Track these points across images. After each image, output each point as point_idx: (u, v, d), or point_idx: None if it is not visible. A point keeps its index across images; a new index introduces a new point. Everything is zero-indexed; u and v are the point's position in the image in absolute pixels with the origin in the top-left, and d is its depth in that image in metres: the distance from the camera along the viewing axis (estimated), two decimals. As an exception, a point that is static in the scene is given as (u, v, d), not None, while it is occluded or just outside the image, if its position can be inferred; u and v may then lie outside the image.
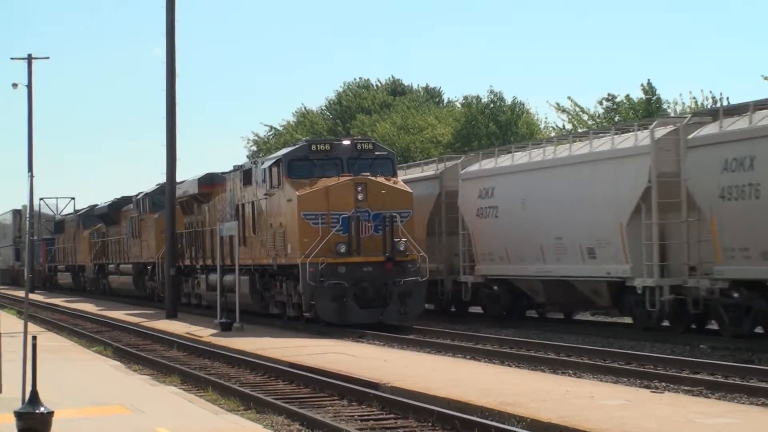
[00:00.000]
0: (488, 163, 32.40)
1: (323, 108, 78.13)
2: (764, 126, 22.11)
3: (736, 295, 23.32)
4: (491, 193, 31.54)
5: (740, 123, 23.02)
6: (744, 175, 22.31)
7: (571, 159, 28.32)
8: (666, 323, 26.11)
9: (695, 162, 23.82)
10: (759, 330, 23.72)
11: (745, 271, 22.63)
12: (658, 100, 48.97)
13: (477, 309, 34.16)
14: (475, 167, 33.08)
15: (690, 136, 24.13)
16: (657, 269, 24.83)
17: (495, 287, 32.08)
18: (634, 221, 25.47)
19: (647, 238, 25.02)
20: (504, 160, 31.76)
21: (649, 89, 48.96)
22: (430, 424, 14.58)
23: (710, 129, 23.81)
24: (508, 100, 58.25)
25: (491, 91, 58.45)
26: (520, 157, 31.03)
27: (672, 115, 40.70)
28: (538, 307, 32.67)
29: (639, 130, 26.41)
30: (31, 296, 55.61)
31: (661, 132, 25.24)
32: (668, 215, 24.85)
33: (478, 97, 59.24)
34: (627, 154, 26.02)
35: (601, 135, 28.56)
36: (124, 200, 52.29)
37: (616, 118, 47.91)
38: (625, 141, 26.62)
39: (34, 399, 11.96)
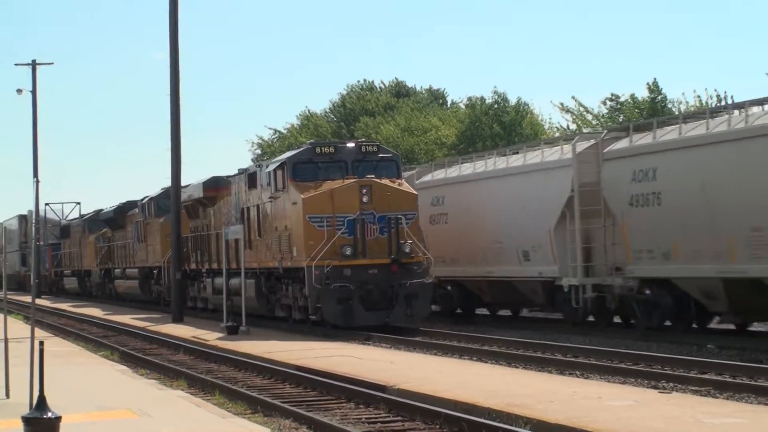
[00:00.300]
0: (439, 174, 35.52)
1: (327, 110, 78.13)
2: (665, 141, 25.24)
3: (648, 291, 26.24)
4: (442, 201, 34.70)
5: (646, 138, 26.13)
6: (648, 185, 25.44)
7: (508, 170, 31.39)
8: (591, 318, 28.89)
9: (609, 173, 26.93)
10: (667, 323, 26.47)
11: (651, 270, 25.74)
12: (664, 99, 48.88)
13: (436, 308, 35.65)
14: (428, 177, 36.21)
15: (605, 150, 27.26)
16: (580, 269, 27.60)
17: (448, 287, 34.91)
18: (560, 227, 28.38)
19: (571, 242, 27.73)
20: (453, 171, 34.85)
21: (655, 88, 48.84)
22: (437, 426, 14.56)
23: (622, 144, 27.00)
24: (513, 101, 58.23)
25: (495, 92, 58.45)
26: (466, 169, 34.14)
27: (676, 113, 40.71)
28: (487, 306, 35.31)
29: (564, 144, 29.37)
30: (38, 301, 55.62)
31: (582, 146, 28.01)
32: (590, 221, 27.50)
33: (482, 98, 59.23)
34: (553, 166, 28.98)
35: (534, 148, 31.66)
36: (130, 205, 52.34)
37: (620, 118, 47.86)
38: (553, 154, 29.61)
39: (42, 404, 11.97)
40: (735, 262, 23.21)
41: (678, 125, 25.32)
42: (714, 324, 26.80)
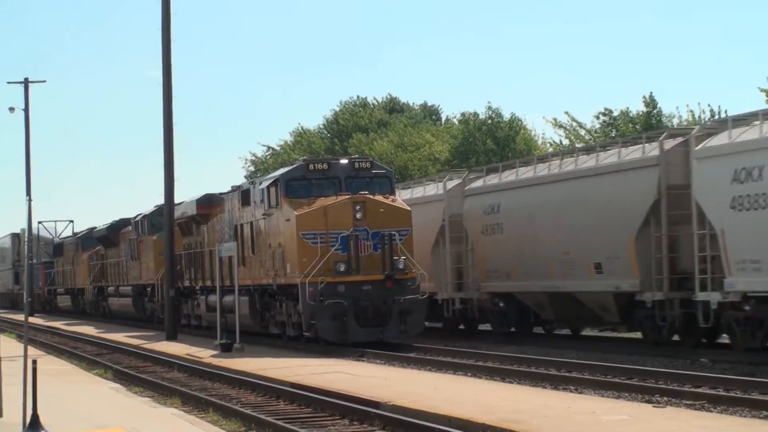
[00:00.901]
0: None
1: (320, 127, 78.20)
2: (505, 182, 31.87)
3: (501, 304, 32.24)
4: None
5: (494, 179, 32.79)
6: (494, 217, 31.78)
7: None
8: (462, 327, 35.16)
9: (469, 206, 33.19)
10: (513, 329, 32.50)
11: (499, 286, 31.92)
12: (659, 113, 48.87)
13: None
14: None
15: (466, 188, 33.68)
16: (451, 286, 33.39)
17: None
18: (436, 249, 33.97)
19: (444, 263, 33.38)
20: None
21: (651, 102, 48.83)
22: (431, 442, 14.55)
23: (478, 183, 33.50)
24: (507, 117, 58.28)
25: (489, 108, 58.53)
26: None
27: (670, 128, 40.71)
28: None
29: (439, 181, 35.45)
30: (31, 320, 55.55)
31: (451, 184, 34.51)
32: (458, 245, 33.49)
33: (475, 113, 59.31)
34: (432, 200, 34.77)
35: (419, 183, 38.02)
36: (123, 222, 52.27)
37: (613, 133, 47.90)
38: (432, 189, 35.82)
39: (35, 423, 11.96)
40: (553, 279, 29.13)
41: (516, 169, 32.03)
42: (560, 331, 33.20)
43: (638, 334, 28.34)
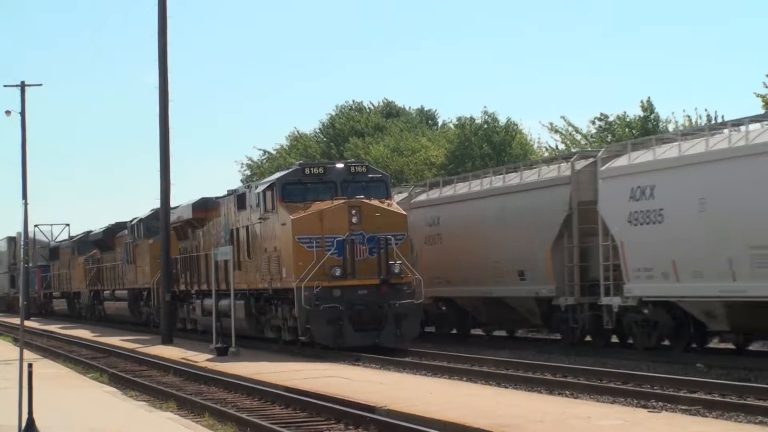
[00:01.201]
0: None
1: (316, 131, 78.18)
2: (444, 196, 35.10)
3: (444, 308, 35.83)
4: None
5: (435, 193, 36.30)
6: (435, 228, 34.95)
7: None
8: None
9: (414, 218, 34.72)
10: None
11: (440, 292, 34.56)
12: (656, 117, 48.83)
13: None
14: None
15: (412, 201, 36.68)
16: None
17: None
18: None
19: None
20: None
21: (648, 106, 48.79)
22: (427, 446, 14.55)
23: (422, 197, 36.85)
24: (503, 121, 58.25)
25: (485, 112, 58.51)
26: None
27: (668, 132, 40.67)
28: None
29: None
30: (27, 323, 55.39)
31: (398, 197, 36.47)
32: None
33: (471, 118, 59.30)
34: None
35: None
36: (119, 226, 52.19)
37: (609, 138, 47.89)
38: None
39: (31, 427, 11.96)
40: (486, 285, 31.99)
41: (454, 184, 35.22)
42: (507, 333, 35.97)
43: (558, 335, 31.14)
